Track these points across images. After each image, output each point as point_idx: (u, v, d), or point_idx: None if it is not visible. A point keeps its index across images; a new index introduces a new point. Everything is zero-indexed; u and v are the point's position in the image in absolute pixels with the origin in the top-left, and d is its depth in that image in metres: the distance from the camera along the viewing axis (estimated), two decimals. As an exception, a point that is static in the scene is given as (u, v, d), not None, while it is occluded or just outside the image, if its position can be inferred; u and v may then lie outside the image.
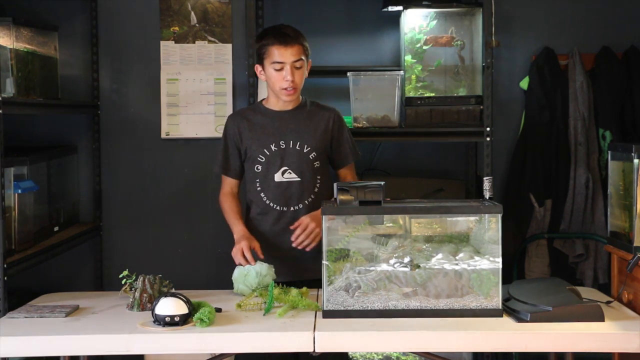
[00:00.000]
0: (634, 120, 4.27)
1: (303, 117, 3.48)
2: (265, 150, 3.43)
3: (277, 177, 3.43)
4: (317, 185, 3.45)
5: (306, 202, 3.43)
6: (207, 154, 4.43)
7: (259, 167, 3.44)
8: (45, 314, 2.94)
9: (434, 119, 4.00)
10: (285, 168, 3.42)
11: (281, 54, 3.35)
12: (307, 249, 3.34)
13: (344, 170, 3.57)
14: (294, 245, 3.35)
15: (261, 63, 3.43)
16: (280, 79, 3.37)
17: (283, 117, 3.47)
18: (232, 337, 2.74)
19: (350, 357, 4.17)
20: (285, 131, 3.44)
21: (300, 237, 3.33)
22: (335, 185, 3.00)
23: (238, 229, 3.43)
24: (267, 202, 3.44)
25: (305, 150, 3.43)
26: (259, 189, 3.45)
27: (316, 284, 3.13)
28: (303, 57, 3.39)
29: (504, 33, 4.24)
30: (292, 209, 3.43)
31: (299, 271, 3.41)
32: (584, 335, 2.71)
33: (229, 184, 3.56)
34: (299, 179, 3.42)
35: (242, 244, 3.32)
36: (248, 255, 3.29)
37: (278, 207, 3.44)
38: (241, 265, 3.27)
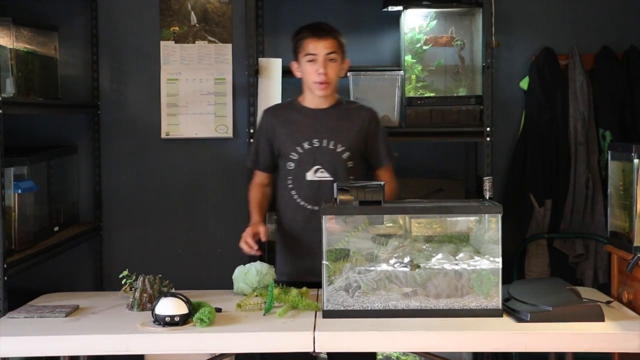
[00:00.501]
0: (634, 120, 4.27)
1: (338, 115, 3.43)
2: (298, 148, 3.38)
3: (310, 175, 3.38)
4: None
5: None
6: (207, 154, 4.44)
7: (291, 165, 3.40)
8: (45, 314, 2.94)
9: (434, 119, 4.00)
10: (318, 167, 3.37)
11: (314, 46, 3.34)
12: None
13: (380, 171, 3.51)
14: None
15: (297, 59, 3.42)
16: (313, 72, 3.35)
17: (318, 115, 3.43)
18: (232, 337, 2.74)
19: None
20: (320, 129, 3.39)
21: None
22: (335, 185, 3.00)
23: (253, 219, 3.41)
24: (299, 200, 3.40)
25: (338, 150, 3.38)
26: (290, 186, 3.40)
27: None
28: (337, 51, 3.36)
29: (504, 33, 4.24)
30: None
31: None
32: (584, 335, 2.71)
33: (259, 176, 3.52)
34: (331, 178, 3.36)
35: (246, 231, 3.31)
36: (250, 240, 3.27)
37: (309, 206, 3.39)
38: (244, 249, 3.26)
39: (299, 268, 3.35)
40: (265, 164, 3.48)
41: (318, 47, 3.35)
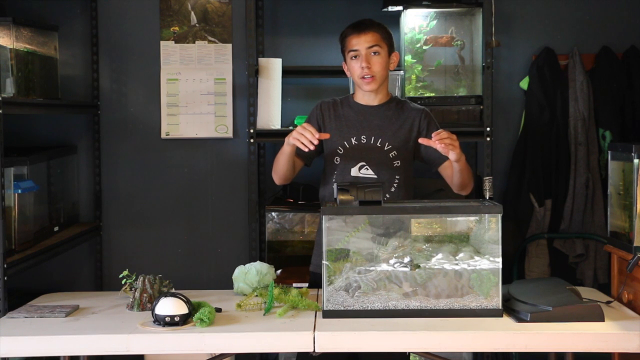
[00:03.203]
0: (634, 120, 4.27)
1: (389, 114, 3.39)
2: (345, 142, 3.34)
3: (354, 171, 3.33)
4: (395, 185, 3.34)
5: None
6: (207, 154, 4.44)
7: (338, 159, 3.35)
8: (45, 314, 2.94)
9: (434, 119, 3.99)
10: (363, 163, 3.33)
11: (356, 42, 3.32)
12: (444, 147, 3.09)
13: (444, 166, 3.39)
14: (434, 138, 3.07)
15: (345, 59, 3.39)
16: (357, 67, 3.31)
17: (368, 112, 3.39)
18: (232, 337, 2.74)
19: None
20: (369, 126, 3.35)
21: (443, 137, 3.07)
22: (335, 185, 3.00)
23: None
24: None
25: (386, 148, 3.34)
26: (334, 180, 3.34)
27: None
28: (380, 44, 3.31)
29: (504, 33, 4.25)
30: None
31: None
32: (584, 335, 2.71)
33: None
34: (375, 176, 3.32)
35: (299, 127, 3.13)
36: (309, 127, 3.11)
37: None
38: (302, 137, 3.11)
39: None
40: (303, 152, 3.30)
41: (360, 42, 3.31)
